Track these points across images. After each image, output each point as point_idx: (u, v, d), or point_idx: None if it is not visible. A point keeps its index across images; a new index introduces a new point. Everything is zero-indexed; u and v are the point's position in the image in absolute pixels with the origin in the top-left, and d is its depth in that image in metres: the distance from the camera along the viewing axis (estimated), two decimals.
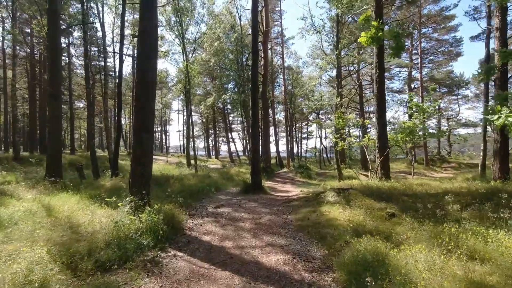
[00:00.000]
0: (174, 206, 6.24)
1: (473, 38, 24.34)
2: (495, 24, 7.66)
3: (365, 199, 6.37)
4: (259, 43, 16.22)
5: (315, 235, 5.02)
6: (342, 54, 14.56)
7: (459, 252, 3.46)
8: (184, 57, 21.41)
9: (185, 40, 21.25)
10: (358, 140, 10.88)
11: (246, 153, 42.33)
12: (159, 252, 4.23)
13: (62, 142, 42.23)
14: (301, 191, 10.54)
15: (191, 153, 22.69)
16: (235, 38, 23.32)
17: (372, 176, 9.15)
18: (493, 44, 13.00)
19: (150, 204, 5.37)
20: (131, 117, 36.59)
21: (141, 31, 5.69)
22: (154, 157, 32.86)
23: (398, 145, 9.35)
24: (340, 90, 12.52)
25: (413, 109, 12.19)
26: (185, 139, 33.87)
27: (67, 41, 30.60)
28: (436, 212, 5.04)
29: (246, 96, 24.80)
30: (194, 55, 25.04)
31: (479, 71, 7.59)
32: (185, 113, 35.77)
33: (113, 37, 27.63)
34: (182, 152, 52.29)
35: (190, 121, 22.78)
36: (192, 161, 20.96)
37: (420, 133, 9.61)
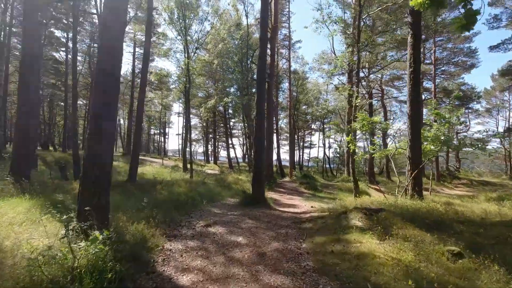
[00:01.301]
0: (147, 225, 4.60)
1: (492, 48, 22.95)
2: None
3: (406, 226, 4.71)
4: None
5: (347, 282, 3.35)
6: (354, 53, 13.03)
7: None
8: (186, 54, 20.00)
9: (187, 37, 19.87)
10: (377, 149, 9.16)
11: (246, 160, 40.79)
12: None
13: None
14: (311, 207, 8.82)
15: (188, 157, 21.02)
16: (241, 36, 21.92)
17: (401, 193, 7.48)
18: None
19: (106, 223, 3.72)
20: (128, 117, 34.98)
21: None
22: (149, 159, 31.19)
23: (432, 155, 7.79)
24: (357, 89, 10.92)
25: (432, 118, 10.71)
26: (182, 142, 32.27)
27: (65, 35, 29.50)
28: None
29: (249, 100, 23.36)
30: (196, 54, 23.72)
31: None
32: (184, 115, 34.23)
33: None
34: (181, 155, 50.70)
35: (189, 124, 21.24)
36: (189, 166, 19.34)
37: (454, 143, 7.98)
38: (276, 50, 23.99)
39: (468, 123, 38.56)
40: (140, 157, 33.78)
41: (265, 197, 8.77)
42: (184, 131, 19.92)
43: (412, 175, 7.11)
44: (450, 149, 8.43)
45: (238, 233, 5.31)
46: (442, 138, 7.91)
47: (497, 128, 39.12)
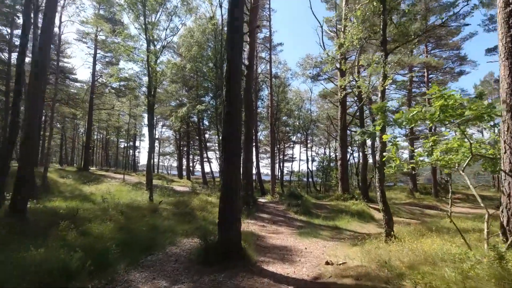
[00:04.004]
0: None
1: (489, 51, 21.28)
2: None
3: None
4: (244, 24, 11.51)
5: None
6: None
7: None
8: (147, 47, 15.83)
9: (153, 31, 15.93)
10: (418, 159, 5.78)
11: None
12: None
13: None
14: (327, 262, 4.82)
15: (161, 171, 16.72)
16: (215, 30, 18.73)
17: (492, 237, 4.14)
18: None
19: None
20: (88, 126, 30.13)
21: None
22: (111, 175, 25.93)
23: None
24: (386, 61, 7.60)
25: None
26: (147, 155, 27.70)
27: (9, 31, 24.97)
28: None
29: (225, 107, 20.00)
30: (165, 56, 20.28)
31: None
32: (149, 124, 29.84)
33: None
34: (156, 170, 45.96)
35: (152, 134, 17.12)
36: (156, 181, 15.14)
37: None
38: (256, 52, 20.94)
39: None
40: (99, 173, 28.68)
41: (241, 244, 5.02)
42: (149, 143, 15.93)
43: None
44: None
45: None
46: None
47: None
